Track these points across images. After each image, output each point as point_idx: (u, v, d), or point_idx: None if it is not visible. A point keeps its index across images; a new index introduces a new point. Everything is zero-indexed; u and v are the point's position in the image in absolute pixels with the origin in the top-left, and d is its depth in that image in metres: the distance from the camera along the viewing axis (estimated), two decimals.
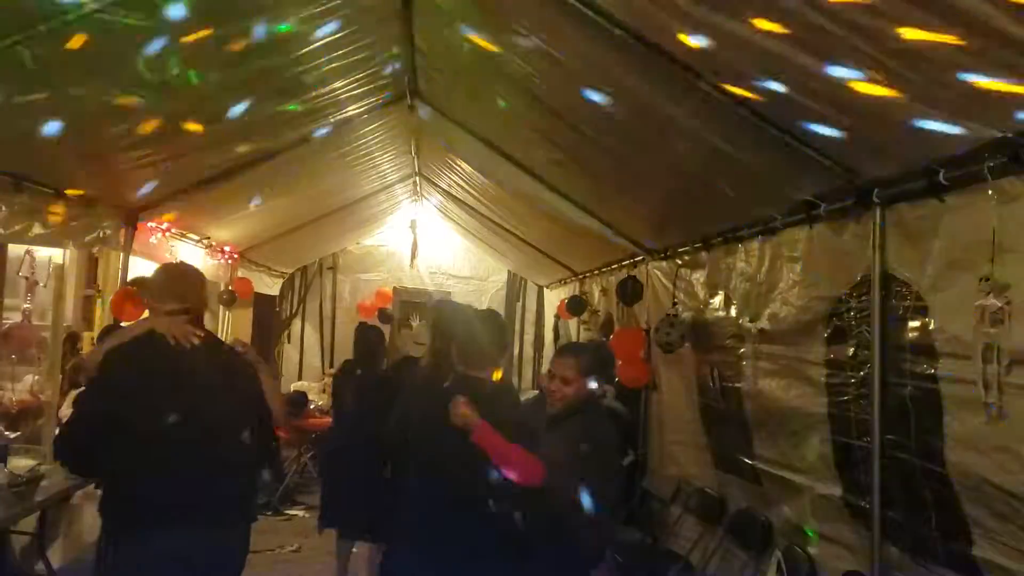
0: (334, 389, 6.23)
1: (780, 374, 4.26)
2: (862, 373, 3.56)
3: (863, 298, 3.52)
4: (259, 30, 3.73)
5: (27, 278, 5.98)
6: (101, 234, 5.41)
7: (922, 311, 3.17)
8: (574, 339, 10.01)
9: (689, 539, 5.40)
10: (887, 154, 3.11)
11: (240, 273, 9.15)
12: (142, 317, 3.50)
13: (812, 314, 3.91)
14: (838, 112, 2.94)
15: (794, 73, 2.79)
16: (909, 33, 2.29)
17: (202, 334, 3.30)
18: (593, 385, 3.64)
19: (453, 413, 3.27)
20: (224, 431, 3.20)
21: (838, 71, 2.65)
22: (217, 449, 3.14)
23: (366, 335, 6.09)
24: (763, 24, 2.58)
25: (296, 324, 12.01)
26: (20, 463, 4.62)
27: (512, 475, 3.23)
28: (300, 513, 8.32)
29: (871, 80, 2.61)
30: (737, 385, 4.77)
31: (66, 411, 5.70)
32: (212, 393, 3.19)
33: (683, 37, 2.96)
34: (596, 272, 8.32)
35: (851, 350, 3.66)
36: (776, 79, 2.91)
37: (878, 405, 3.37)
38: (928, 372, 3.12)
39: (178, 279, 3.48)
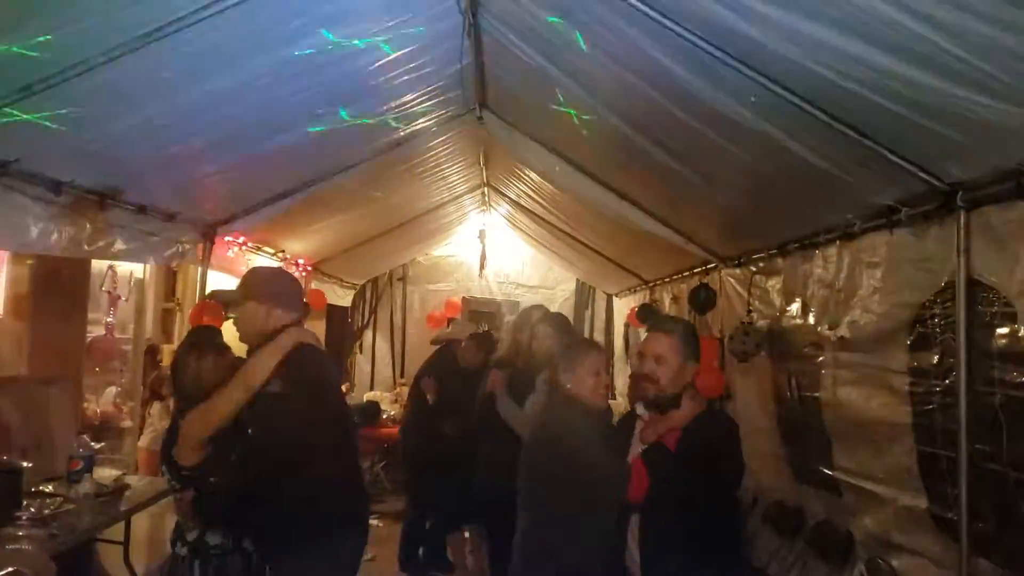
0: None
1: (861, 383, 4.15)
2: (947, 381, 3.46)
3: (947, 304, 3.42)
4: (332, 45, 3.79)
5: (110, 292, 6.17)
6: (180, 249, 5.55)
7: (1011, 317, 3.06)
8: None
9: (767, 551, 5.29)
10: (972, 156, 3.02)
11: (313, 285, 9.29)
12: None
13: (894, 321, 3.81)
14: (919, 114, 2.85)
15: (872, 74, 2.73)
16: (993, 29, 2.22)
17: None
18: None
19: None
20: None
21: (918, 71, 2.58)
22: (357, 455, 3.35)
23: None
24: (839, 24, 2.54)
25: (368, 335, 12.15)
26: (105, 473, 4.76)
27: None
28: (374, 522, 8.40)
29: (953, 79, 2.53)
30: (815, 394, 4.67)
31: (159, 423, 5.87)
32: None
33: (755, 40, 2.91)
34: (667, 280, 8.23)
35: (936, 358, 3.56)
36: (853, 81, 2.85)
37: (965, 414, 3.26)
38: (1019, 380, 3.01)
39: (296, 286, 3.63)
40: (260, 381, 3.19)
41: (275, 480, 3.16)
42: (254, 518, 3.30)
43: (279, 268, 4.39)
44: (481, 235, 11.18)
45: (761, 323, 5.39)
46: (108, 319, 6.38)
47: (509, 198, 8.94)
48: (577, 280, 11.95)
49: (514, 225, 10.51)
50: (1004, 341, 3.13)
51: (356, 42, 3.87)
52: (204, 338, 3.77)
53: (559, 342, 4.49)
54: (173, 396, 3.88)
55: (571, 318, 11.31)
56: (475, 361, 6.62)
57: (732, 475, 3.24)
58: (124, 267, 6.37)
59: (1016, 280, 2.99)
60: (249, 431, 3.28)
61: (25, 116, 3.35)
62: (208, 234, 5.97)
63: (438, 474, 6.47)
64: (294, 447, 3.14)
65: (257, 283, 3.66)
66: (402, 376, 11.69)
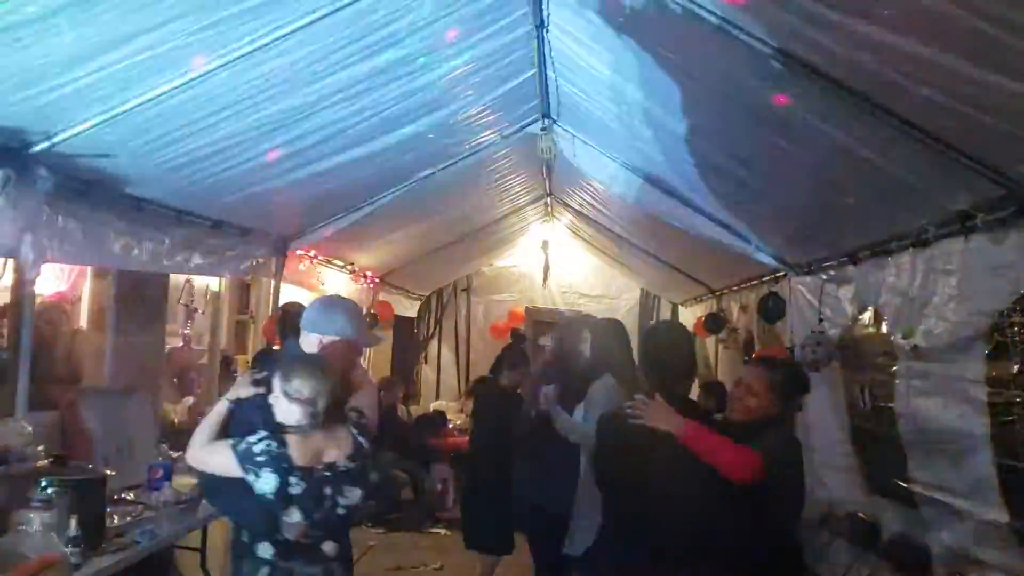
0: None
1: (936, 393, 4.06)
2: None
3: None
4: (399, 62, 3.86)
5: (187, 305, 6.33)
6: (254, 263, 5.68)
7: None
8: (711, 358, 9.83)
9: (841, 565, 5.20)
10: None
11: (381, 296, 9.43)
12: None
13: (970, 330, 3.71)
14: (994, 118, 2.80)
15: (946, 78, 2.68)
16: None
17: None
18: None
19: (653, 417, 3.12)
20: None
21: (993, 74, 2.53)
22: None
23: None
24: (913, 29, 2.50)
25: (433, 345, 12.27)
26: (183, 481, 4.87)
27: (730, 469, 3.09)
28: (442, 531, 8.46)
29: None
30: (890, 404, 4.57)
31: None
32: None
33: (825, 46, 2.89)
34: (734, 288, 8.16)
35: (1015, 367, 3.47)
36: (927, 85, 2.80)
37: None
38: None
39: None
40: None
41: None
42: None
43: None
44: (544, 245, 11.20)
45: (832, 332, 5.30)
46: (185, 331, 6.56)
47: (572, 208, 8.96)
48: (641, 289, 11.90)
49: (577, 235, 10.52)
50: None
51: (421, 59, 3.94)
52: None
53: None
54: None
55: (636, 328, 11.26)
56: None
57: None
58: (200, 280, 6.54)
59: None
60: None
61: (108, 137, 3.48)
62: (280, 248, 6.10)
63: None
64: None
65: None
66: (467, 385, 11.78)
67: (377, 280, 9.05)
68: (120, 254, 4.19)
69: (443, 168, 5.90)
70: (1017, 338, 3.46)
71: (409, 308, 11.21)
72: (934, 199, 3.70)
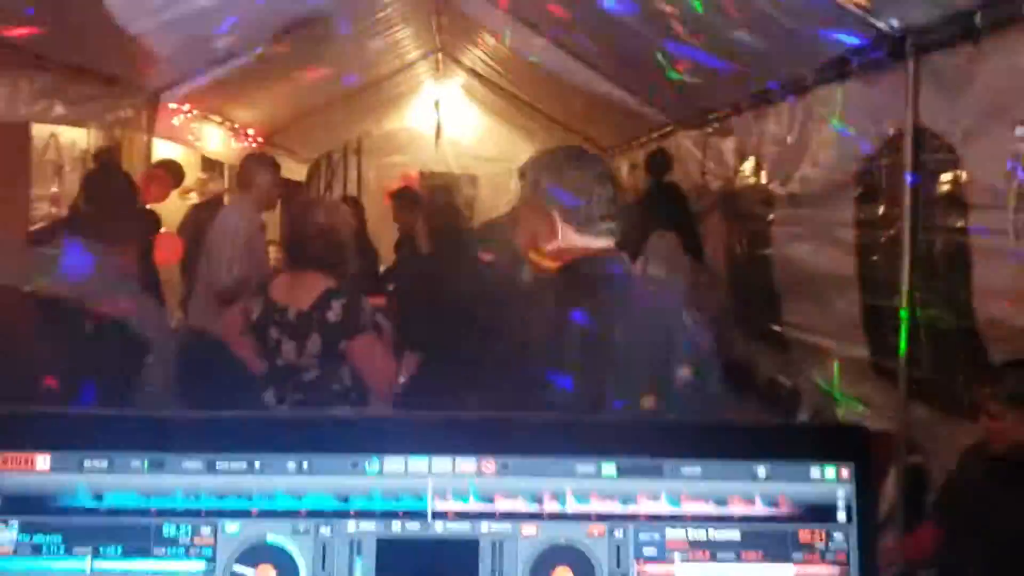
0: None
1: (809, 237, 4.20)
2: (892, 232, 3.49)
3: (895, 155, 3.43)
4: None
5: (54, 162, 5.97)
6: (123, 114, 5.36)
7: (954, 164, 3.08)
8: None
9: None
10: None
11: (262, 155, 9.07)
12: None
13: (842, 174, 3.82)
14: None
15: None
16: None
17: None
18: None
19: None
20: None
21: None
22: None
23: None
24: None
25: None
26: None
27: None
28: None
29: None
30: (766, 251, 4.71)
31: None
32: None
33: None
34: (624, 147, 8.18)
35: (881, 208, 3.59)
36: None
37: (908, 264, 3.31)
38: (958, 226, 3.06)
39: None
40: None
41: None
42: None
43: None
44: (436, 105, 10.94)
45: (715, 185, 5.40)
46: (54, 189, 6.20)
47: (465, 66, 8.76)
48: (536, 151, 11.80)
49: (471, 95, 10.32)
50: (947, 188, 3.16)
51: None
52: None
53: None
54: None
55: None
56: None
57: None
58: (67, 135, 6.17)
59: (961, 127, 3.00)
60: None
61: None
62: (151, 100, 5.76)
63: None
64: None
65: None
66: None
67: (261, 140, 8.68)
68: None
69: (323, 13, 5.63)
70: (884, 180, 3.56)
71: (297, 172, 10.87)
72: (813, 46, 3.72)
